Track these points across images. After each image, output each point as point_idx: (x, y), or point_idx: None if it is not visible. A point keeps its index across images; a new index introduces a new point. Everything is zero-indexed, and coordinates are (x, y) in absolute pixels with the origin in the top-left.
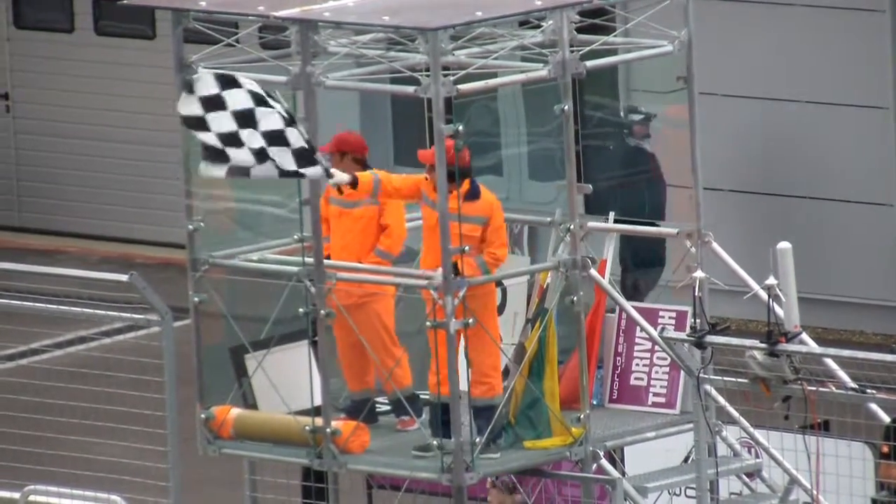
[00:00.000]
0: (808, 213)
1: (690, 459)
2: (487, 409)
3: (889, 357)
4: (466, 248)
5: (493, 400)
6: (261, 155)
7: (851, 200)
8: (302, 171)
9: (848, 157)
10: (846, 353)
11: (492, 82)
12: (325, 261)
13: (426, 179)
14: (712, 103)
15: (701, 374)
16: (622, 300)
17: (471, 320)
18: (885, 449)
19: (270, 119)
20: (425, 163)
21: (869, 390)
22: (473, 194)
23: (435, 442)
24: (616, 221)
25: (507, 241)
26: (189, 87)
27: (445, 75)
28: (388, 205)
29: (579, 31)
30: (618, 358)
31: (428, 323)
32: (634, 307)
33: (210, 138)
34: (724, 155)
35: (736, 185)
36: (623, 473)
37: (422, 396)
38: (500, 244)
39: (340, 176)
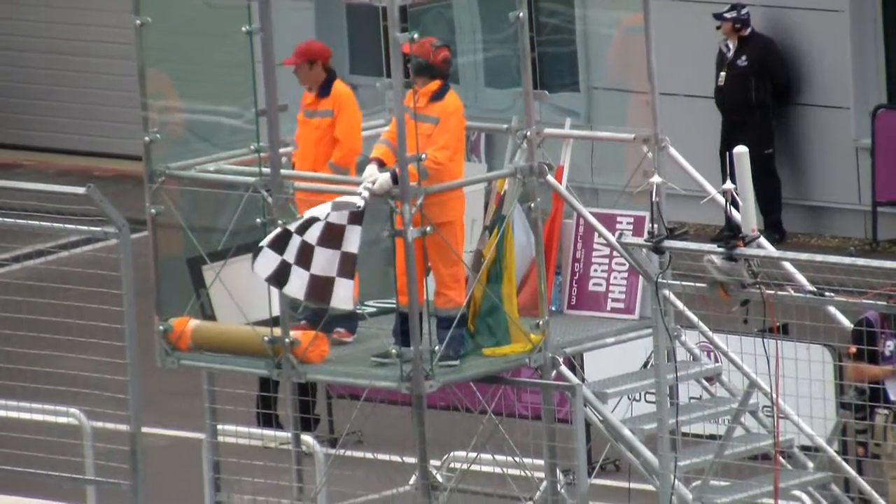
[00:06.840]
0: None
1: (649, 365)
2: (448, 319)
3: (846, 259)
4: (423, 155)
5: (454, 311)
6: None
7: (809, 104)
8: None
9: (806, 60)
10: (804, 256)
11: None
12: (282, 171)
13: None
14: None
15: (659, 280)
16: (580, 206)
17: (428, 228)
18: (853, 349)
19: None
20: None
21: (827, 293)
22: (439, 95)
23: (394, 350)
24: None
25: (454, 146)
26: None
27: None
28: (341, 117)
29: None
30: (576, 264)
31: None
32: (592, 213)
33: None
34: (680, 61)
35: (692, 90)
36: (582, 380)
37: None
38: (441, 146)
39: (382, 178)
